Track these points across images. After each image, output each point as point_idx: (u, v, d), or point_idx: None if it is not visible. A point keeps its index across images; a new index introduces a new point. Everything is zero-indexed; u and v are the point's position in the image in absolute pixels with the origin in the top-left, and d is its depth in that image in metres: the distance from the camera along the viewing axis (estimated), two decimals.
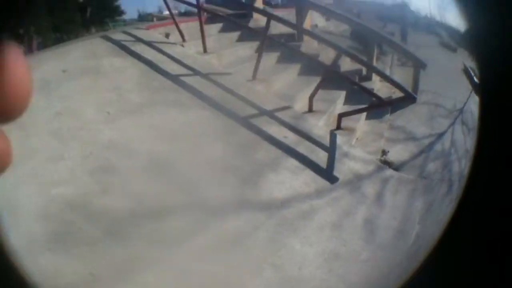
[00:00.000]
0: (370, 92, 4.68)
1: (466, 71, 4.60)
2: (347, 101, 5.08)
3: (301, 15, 6.92)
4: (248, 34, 6.28)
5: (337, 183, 3.20)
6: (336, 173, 3.30)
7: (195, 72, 4.64)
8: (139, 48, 4.80)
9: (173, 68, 4.57)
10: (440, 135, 4.37)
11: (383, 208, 3.09)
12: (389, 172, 3.56)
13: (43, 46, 4.68)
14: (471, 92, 4.24)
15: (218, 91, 4.33)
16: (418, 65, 4.98)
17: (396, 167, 3.68)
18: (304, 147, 3.55)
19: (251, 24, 6.55)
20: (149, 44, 5.01)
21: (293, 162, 3.34)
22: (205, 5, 5.72)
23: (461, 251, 0.82)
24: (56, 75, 3.82)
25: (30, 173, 2.63)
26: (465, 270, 0.82)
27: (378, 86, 5.45)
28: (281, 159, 3.35)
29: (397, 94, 4.68)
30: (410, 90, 4.36)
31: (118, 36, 5.13)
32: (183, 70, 4.62)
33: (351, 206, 3.05)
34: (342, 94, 5.11)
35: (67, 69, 3.94)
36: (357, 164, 3.53)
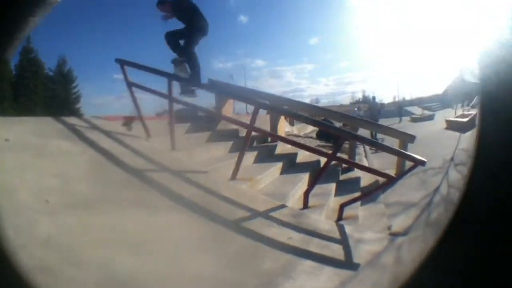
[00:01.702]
0: (380, 173, 4.52)
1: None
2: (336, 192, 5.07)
3: (274, 122, 6.94)
4: (218, 135, 5.81)
5: (360, 267, 2.83)
6: (356, 260, 2.97)
7: (164, 168, 3.74)
8: (95, 136, 3.85)
9: (137, 162, 3.61)
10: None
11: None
12: (400, 239, 3.44)
13: None
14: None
15: (195, 190, 3.46)
16: (407, 139, 5.73)
17: (404, 233, 3.68)
18: (315, 245, 3.07)
19: (220, 127, 6.21)
20: (108, 133, 4.09)
21: (308, 263, 2.73)
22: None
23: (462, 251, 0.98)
24: None
25: None
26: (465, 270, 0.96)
27: (360, 173, 5.93)
28: (294, 263, 2.70)
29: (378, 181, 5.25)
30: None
31: (71, 120, 4.19)
32: (150, 166, 3.69)
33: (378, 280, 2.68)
34: (333, 186, 5.06)
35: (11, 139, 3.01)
36: (372, 245, 3.25)
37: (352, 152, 6.63)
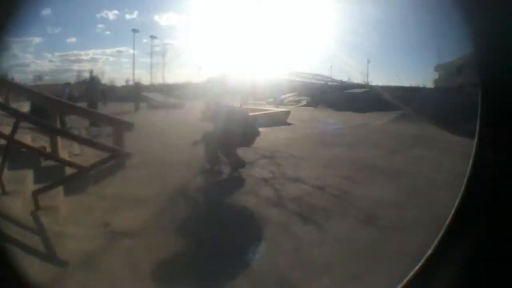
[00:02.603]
0: (67, 162, 4.56)
1: None
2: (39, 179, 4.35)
3: None
4: None
5: (70, 266, 2.79)
6: (63, 256, 2.87)
7: None
8: None
9: None
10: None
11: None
12: (133, 239, 3.28)
13: None
14: None
15: None
16: (125, 127, 5.51)
17: (135, 233, 3.39)
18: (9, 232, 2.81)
19: None
20: None
21: None
22: None
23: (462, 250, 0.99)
24: None
25: None
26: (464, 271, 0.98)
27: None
28: None
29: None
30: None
31: None
32: None
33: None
34: (30, 173, 4.33)
35: None
36: (81, 241, 3.14)
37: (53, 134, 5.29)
